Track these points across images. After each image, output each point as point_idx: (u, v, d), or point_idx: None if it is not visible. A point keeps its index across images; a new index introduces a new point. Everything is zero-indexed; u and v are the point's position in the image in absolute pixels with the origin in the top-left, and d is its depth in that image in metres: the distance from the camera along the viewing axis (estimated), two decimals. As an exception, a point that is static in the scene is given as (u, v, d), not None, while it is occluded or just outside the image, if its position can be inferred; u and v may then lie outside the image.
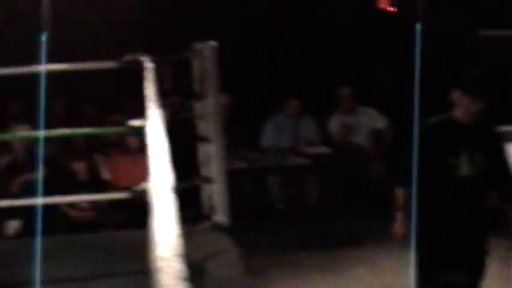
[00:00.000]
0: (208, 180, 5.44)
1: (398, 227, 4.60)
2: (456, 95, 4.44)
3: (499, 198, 4.66)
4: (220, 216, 5.49)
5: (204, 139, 5.38)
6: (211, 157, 5.35)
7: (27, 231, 6.31)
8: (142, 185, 2.84)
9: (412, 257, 4.68)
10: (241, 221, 7.62)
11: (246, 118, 8.75)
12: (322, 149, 8.54)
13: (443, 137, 4.50)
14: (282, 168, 8.24)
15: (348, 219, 7.87)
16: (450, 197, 4.47)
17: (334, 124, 8.94)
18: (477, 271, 4.62)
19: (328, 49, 9.38)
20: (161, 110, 3.96)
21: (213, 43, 5.17)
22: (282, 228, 8.27)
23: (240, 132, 8.75)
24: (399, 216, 4.60)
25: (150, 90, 3.69)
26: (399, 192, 4.59)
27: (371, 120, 8.76)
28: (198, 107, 5.39)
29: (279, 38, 9.37)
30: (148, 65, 4.57)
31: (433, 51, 5.48)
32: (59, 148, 7.59)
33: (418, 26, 4.52)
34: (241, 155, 8.17)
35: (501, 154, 4.61)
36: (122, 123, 4.51)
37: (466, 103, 4.38)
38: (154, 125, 3.02)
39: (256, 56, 9.23)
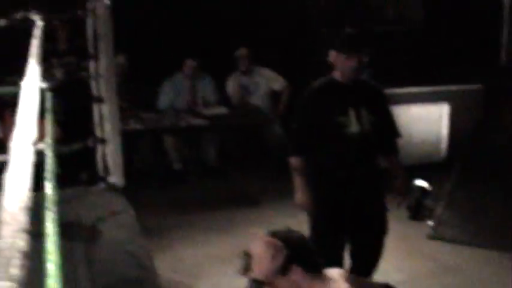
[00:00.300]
0: (102, 141, 5.39)
1: (301, 196, 4.65)
2: (333, 56, 4.57)
3: (384, 151, 4.85)
4: (115, 178, 5.46)
5: (99, 99, 5.31)
6: (105, 118, 5.29)
7: None
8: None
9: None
10: (138, 182, 7.63)
11: (143, 79, 8.65)
12: (219, 110, 8.53)
13: (328, 98, 4.61)
14: (179, 129, 8.20)
15: (245, 180, 7.93)
16: (343, 155, 4.56)
17: (232, 85, 8.95)
18: (377, 227, 4.78)
19: (225, 9, 9.34)
20: (51, 70, 3.89)
21: (106, 1, 5.07)
22: (179, 189, 8.29)
23: (136, 93, 8.67)
24: (300, 184, 4.64)
25: (35, 48, 3.59)
26: (295, 161, 4.65)
27: (269, 81, 8.80)
28: (92, 67, 5.30)
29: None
30: (39, 23, 4.45)
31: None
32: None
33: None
34: (138, 116, 8.09)
35: (385, 109, 4.80)
36: (16, 83, 4.41)
37: (342, 62, 4.52)
38: (30, 85, 2.93)
39: (154, 16, 9.10)
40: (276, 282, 2.73)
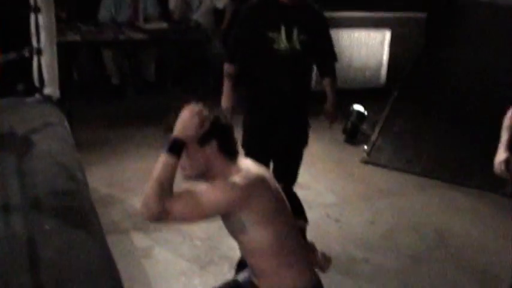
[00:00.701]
0: (38, 51, 5.28)
1: (224, 101, 4.79)
2: None
3: (319, 73, 4.99)
4: (51, 89, 5.38)
5: (35, 9, 5.18)
6: (41, 28, 5.18)
7: None
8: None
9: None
10: (76, 95, 7.54)
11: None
12: (160, 25, 8.42)
13: (263, 13, 4.68)
14: (118, 43, 8.08)
15: (184, 95, 7.89)
16: (272, 70, 4.68)
17: (174, 0, 8.82)
18: (298, 136, 4.93)
19: None
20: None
21: None
22: (117, 103, 8.22)
23: (76, 4, 8.49)
24: (226, 90, 4.81)
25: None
26: (227, 68, 4.79)
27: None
28: (29, -25, 5.16)
29: None
30: None
31: None
32: None
33: None
34: (76, 28, 7.94)
35: (322, 31, 4.83)
36: None
37: None
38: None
39: None
40: (190, 148, 2.80)
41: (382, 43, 8.85)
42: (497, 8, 8.54)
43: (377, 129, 7.37)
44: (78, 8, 8.44)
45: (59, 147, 4.35)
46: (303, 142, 4.96)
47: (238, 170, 2.84)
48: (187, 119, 2.78)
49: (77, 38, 7.79)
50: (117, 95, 8.48)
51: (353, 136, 7.42)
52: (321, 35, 4.82)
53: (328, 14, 5.04)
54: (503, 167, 3.95)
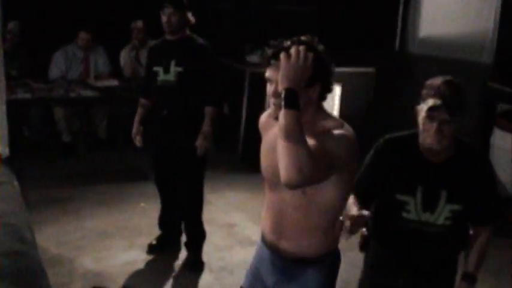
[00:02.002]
0: (-13, 109, 5.22)
1: (133, 131, 5.60)
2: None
3: (201, 101, 5.41)
4: (0, 147, 5.31)
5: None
6: (-10, 86, 5.13)
7: None
8: None
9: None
10: (26, 153, 7.47)
11: (35, 47, 8.44)
12: (111, 82, 8.42)
13: (153, 51, 5.57)
14: (70, 100, 8.05)
15: (136, 153, 7.87)
16: (156, 99, 5.51)
17: (125, 57, 8.83)
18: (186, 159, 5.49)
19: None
20: None
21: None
22: (68, 161, 8.16)
23: (27, 61, 8.45)
24: (136, 121, 5.63)
25: None
26: (140, 101, 5.68)
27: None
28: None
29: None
30: None
31: None
32: None
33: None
34: (27, 85, 7.89)
35: (202, 62, 5.32)
36: None
37: (162, 19, 5.29)
38: None
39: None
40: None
41: (333, 97, 8.94)
42: (445, 62, 8.72)
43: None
44: (29, 66, 8.40)
45: (7, 207, 4.27)
46: (194, 165, 5.48)
47: (333, 117, 2.88)
48: (293, 66, 2.56)
49: (28, 95, 7.75)
50: (68, 153, 8.41)
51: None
52: (199, 68, 5.30)
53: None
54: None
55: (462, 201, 3.20)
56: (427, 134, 3.08)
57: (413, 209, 3.24)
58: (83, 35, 8.47)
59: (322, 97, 2.85)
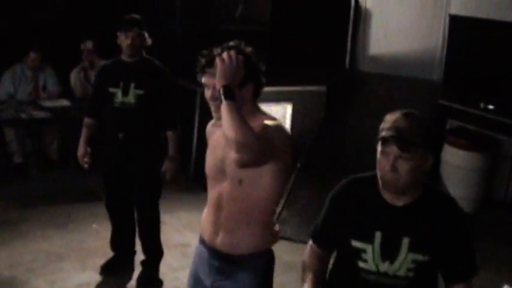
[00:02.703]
0: None
1: (79, 150, 5.55)
2: (118, 36, 5.35)
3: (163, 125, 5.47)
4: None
5: None
6: None
7: None
8: None
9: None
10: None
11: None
12: (62, 102, 8.37)
13: (108, 72, 5.48)
14: (20, 121, 7.97)
15: (87, 174, 7.82)
16: (114, 120, 5.40)
17: (75, 77, 8.79)
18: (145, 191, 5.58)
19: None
20: None
21: None
22: (19, 182, 8.06)
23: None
24: (81, 140, 5.56)
25: None
26: (86, 120, 5.60)
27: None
28: None
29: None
30: None
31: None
32: None
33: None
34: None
35: (159, 86, 5.37)
36: None
37: (121, 40, 5.31)
38: None
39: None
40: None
41: (284, 116, 8.99)
42: (395, 79, 8.84)
43: (281, 202, 7.41)
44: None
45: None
46: (152, 187, 5.51)
47: (266, 114, 3.17)
48: (227, 68, 2.93)
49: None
50: (19, 174, 8.32)
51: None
52: (159, 91, 5.33)
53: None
54: None
55: (427, 251, 2.83)
56: (383, 171, 2.82)
57: (370, 258, 2.89)
58: (33, 56, 8.41)
59: (256, 94, 3.19)
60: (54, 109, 8.11)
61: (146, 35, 5.37)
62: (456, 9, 8.31)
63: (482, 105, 7.86)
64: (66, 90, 8.78)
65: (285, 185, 3.19)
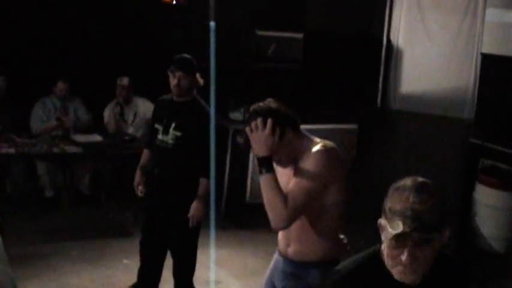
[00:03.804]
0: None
1: (135, 179, 5.57)
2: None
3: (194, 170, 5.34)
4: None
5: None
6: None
7: None
8: None
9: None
10: (10, 208, 7.44)
11: (18, 101, 8.45)
12: (94, 138, 8.41)
13: (158, 108, 5.60)
14: (52, 155, 8.04)
15: (119, 209, 7.87)
16: (155, 156, 5.51)
17: (109, 113, 8.82)
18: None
19: (109, 36, 9.23)
20: None
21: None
22: (51, 217, 8.10)
23: (11, 115, 8.44)
24: (138, 170, 5.60)
25: None
26: (143, 152, 5.69)
27: (146, 110, 8.69)
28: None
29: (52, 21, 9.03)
30: None
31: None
32: None
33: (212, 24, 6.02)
34: (11, 140, 7.87)
35: (198, 129, 5.24)
36: None
37: (171, 80, 5.27)
38: None
39: (27, 37, 8.84)
40: (277, 150, 3.30)
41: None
42: (426, 118, 8.82)
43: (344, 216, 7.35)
44: (13, 120, 8.39)
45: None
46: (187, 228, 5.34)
47: (312, 139, 3.43)
48: (257, 138, 3.22)
49: (11, 150, 7.74)
50: (50, 208, 8.37)
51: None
52: (197, 133, 5.23)
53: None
54: None
55: None
56: (394, 262, 2.39)
57: None
58: (60, 85, 8.49)
59: (297, 130, 3.44)
60: (87, 144, 8.16)
61: (198, 75, 5.36)
62: (488, 47, 8.28)
63: (514, 144, 7.79)
64: (98, 125, 8.83)
65: (345, 197, 3.50)
